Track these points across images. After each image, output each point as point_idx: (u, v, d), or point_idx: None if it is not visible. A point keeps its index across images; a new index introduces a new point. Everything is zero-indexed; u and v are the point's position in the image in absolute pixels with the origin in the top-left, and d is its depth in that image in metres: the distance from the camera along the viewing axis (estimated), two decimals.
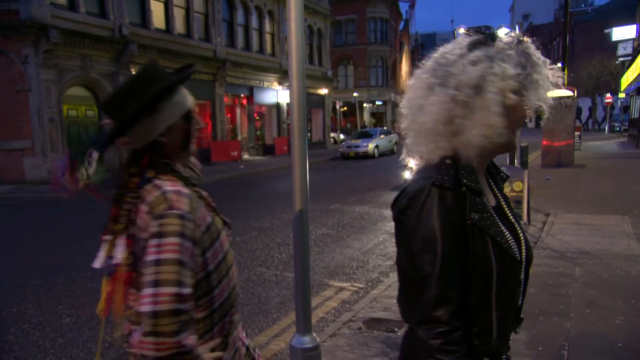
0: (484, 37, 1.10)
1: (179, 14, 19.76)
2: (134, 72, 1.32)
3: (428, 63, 1.14)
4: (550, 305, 4.00)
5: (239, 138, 23.60)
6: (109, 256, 1.24)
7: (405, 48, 52.60)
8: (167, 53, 18.45)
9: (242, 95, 24.06)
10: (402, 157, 1.23)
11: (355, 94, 35.79)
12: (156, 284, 1.06)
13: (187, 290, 1.09)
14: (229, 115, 23.50)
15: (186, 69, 1.42)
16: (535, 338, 3.40)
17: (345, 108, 39.48)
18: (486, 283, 1.08)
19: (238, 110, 24.46)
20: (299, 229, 2.33)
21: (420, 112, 1.12)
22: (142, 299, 1.09)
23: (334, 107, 34.24)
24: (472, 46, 1.08)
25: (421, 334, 1.04)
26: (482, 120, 1.06)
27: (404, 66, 51.92)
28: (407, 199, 1.09)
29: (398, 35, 48.28)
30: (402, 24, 51.07)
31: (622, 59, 27.15)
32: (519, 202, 6.90)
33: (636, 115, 25.07)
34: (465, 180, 1.07)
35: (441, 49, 1.14)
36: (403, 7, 51.75)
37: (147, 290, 1.08)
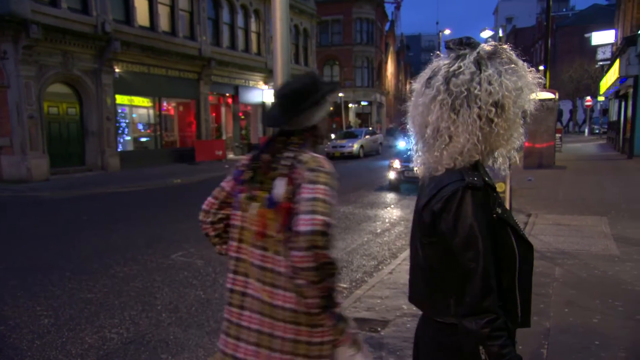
0: (480, 51, 1.19)
1: (163, 12, 19.56)
2: (299, 77, 1.80)
3: (437, 83, 1.20)
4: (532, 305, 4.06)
5: (224, 137, 23.47)
6: (269, 194, 1.60)
7: (391, 49, 52.89)
8: (151, 51, 18.26)
9: (227, 95, 23.93)
10: (419, 171, 1.35)
11: (340, 94, 35.88)
12: (313, 212, 1.41)
13: (331, 221, 1.44)
14: (213, 115, 23.35)
15: (334, 82, 2.12)
16: (515, 337, 3.45)
17: (331, 108, 39.55)
18: (512, 269, 1.21)
19: (223, 109, 24.32)
20: None
21: (446, 132, 1.20)
22: (301, 222, 1.42)
23: None
24: (478, 63, 1.17)
25: (470, 325, 1.12)
26: (508, 132, 1.20)
27: (390, 67, 52.22)
28: (442, 202, 1.16)
29: (384, 36, 48.52)
30: (387, 25, 51.34)
31: (601, 62, 27.66)
32: None
33: (615, 118, 25.61)
34: (487, 179, 1.20)
35: (442, 67, 1.20)
36: (389, 9, 52.16)
37: (306, 216, 1.42)
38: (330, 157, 22.63)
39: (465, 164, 1.20)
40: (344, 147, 22.90)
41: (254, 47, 25.54)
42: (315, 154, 1.64)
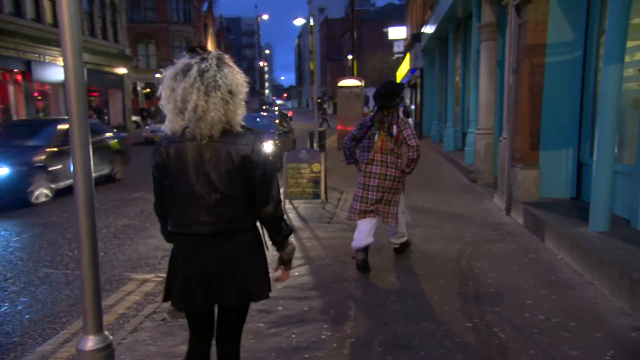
0: (216, 56, 1.94)
1: None
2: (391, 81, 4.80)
3: (194, 75, 1.86)
4: (341, 273, 4.51)
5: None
6: (389, 132, 4.49)
7: (210, 30, 51.49)
8: None
9: (15, 70, 20.24)
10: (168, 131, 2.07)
11: (158, 75, 33.56)
12: (414, 137, 4.51)
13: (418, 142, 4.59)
14: None
15: (403, 84, 5.95)
16: (328, 304, 3.80)
17: (148, 90, 36.82)
18: None
19: (11, 88, 20.54)
20: (84, 222, 2.10)
21: (201, 109, 1.85)
22: (412, 141, 4.49)
23: (135, 89, 31.60)
24: (218, 65, 1.90)
25: (279, 210, 2.03)
26: (238, 110, 1.95)
27: (210, 48, 50.54)
28: (259, 146, 1.95)
29: (202, 16, 46.91)
30: (205, 5, 49.74)
31: (397, 55, 31.63)
32: (317, 182, 7.52)
33: (409, 104, 29.65)
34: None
35: (194, 64, 1.89)
36: None
37: (413, 139, 4.50)
38: (150, 141, 21.20)
39: (222, 126, 1.89)
40: (163, 131, 21.61)
41: (48, 16, 22.05)
42: (401, 115, 4.58)
